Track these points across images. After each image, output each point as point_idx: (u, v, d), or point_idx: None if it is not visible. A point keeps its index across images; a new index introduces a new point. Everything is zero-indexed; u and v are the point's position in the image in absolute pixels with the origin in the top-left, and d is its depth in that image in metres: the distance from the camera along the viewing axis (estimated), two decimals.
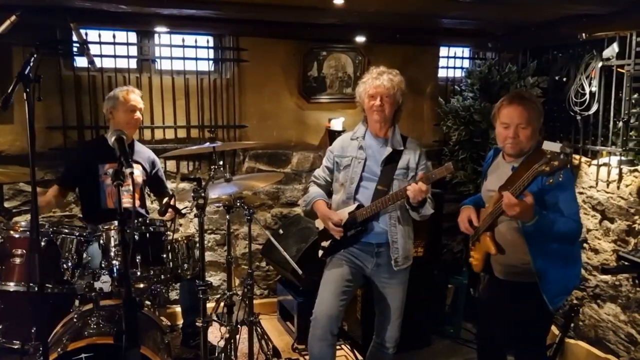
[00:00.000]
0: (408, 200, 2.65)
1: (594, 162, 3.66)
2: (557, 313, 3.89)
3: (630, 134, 3.42)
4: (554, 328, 3.78)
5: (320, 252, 2.99)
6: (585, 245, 3.71)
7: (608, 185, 3.54)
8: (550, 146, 2.14)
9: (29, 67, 1.92)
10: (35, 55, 1.97)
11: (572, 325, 3.75)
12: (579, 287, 3.77)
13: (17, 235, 2.81)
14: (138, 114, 3.41)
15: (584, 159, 3.76)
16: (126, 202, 3.21)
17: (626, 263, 3.21)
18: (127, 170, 1.81)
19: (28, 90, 1.90)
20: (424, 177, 2.58)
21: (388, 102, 2.76)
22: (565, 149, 2.10)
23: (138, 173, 3.45)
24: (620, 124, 3.42)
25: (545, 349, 2.72)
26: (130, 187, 3.25)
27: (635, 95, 3.36)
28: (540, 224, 2.31)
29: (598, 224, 3.61)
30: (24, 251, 2.76)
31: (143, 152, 3.58)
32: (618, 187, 3.46)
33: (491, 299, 2.81)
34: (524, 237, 2.43)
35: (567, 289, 2.58)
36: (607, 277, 3.53)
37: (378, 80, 2.75)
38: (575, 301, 3.80)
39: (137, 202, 3.48)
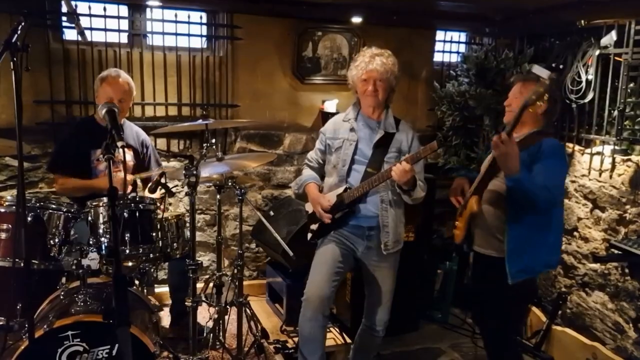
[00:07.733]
0: (399, 184, 2.63)
1: (587, 150, 3.66)
2: (545, 300, 3.93)
3: (625, 123, 3.41)
4: (541, 315, 3.81)
5: (309, 235, 2.97)
6: (575, 233, 3.73)
7: (600, 174, 3.54)
8: (539, 71, 2.19)
9: (16, 36, 1.84)
10: (23, 24, 1.89)
11: (559, 312, 3.78)
12: (567, 275, 3.80)
13: (2, 210, 2.74)
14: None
15: (577, 147, 3.76)
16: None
17: (617, 252, 3.22)
18: (120, 144, 1.75)
19: (15, 59, 1.82)
20: (408, 157, 2.58)
21: (382, 87, 2.73)
22: (552, 75, 2.14)
23: (129, 158, 3.36)
24: (616, 112, 3.41)
25: (508, 325, 2.75)
26: (122, 173, 3.19)
27: (632, 84, 3.34)
28: (521, 181, 2.32)
29: (589, 212, 3.62)
30: (10, 226, 2.71)
31: (133, 134, 3.45)
32: (610, 176, 3.46)
33: (475, 279, 2.86)
34: (506, 204, 2.48)
35: (533, 269, 2.59)
36: (597, 266, 3.55)
37: (371, 65, 2.71)
38: (563, 289, 3.83)
39: (130, 188, 3.40)
